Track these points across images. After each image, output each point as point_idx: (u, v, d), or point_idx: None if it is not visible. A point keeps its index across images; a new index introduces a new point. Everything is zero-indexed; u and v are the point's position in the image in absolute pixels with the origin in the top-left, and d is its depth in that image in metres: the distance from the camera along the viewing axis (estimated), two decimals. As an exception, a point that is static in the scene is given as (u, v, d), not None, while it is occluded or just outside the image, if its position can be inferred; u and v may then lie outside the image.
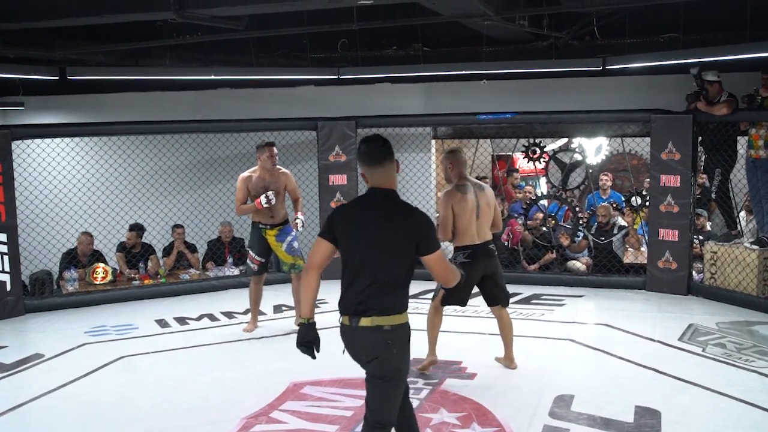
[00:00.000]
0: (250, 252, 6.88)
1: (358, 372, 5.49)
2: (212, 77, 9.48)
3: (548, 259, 8.88)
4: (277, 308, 7.60)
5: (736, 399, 4.98)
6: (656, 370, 5.54)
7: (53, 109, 10.21)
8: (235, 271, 8.74)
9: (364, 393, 4.99)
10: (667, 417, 4.66)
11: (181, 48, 9.73)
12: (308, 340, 3.60)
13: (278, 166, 6.77)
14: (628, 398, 4.95)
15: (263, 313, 7.35)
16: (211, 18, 7.40)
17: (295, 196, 6.87)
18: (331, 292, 8.34)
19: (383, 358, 3.40)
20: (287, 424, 4.63)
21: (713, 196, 8.05)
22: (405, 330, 3.46)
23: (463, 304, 5.67)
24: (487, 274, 5.56)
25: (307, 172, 9.24)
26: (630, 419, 4.65)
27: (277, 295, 8.10)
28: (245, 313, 7.36)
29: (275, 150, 6.68)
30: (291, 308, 7.52)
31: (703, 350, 6.04)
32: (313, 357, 3.60)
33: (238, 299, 7.85)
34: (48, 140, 8.47)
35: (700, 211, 8.94)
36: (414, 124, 9.28)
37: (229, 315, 7.32)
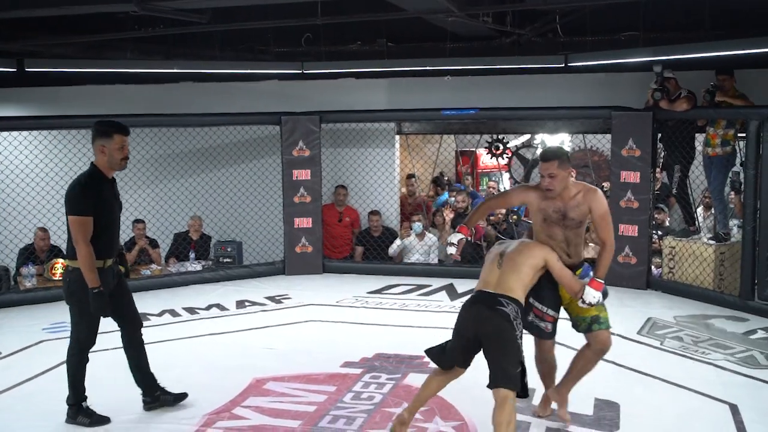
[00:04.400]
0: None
1: (321, 367, 5.53)
2: (174, 70, 9.38)
3: (511, 254, 8.93)
4: (240, 304, 7.54)
5: (693, 391, 5.08)
6: (616, 363, 5.62)
7: (10, 101, 10.00)
8: (198, 267, 8.67)
9: (327, 388, 5.05)
10: (626, 409, 4.73)
11: (143, 41, 9.61)
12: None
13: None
14: (588, 391, 5.01)
15: (225, 309, 7.31)
16: (174, 11, 7.32)
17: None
18: (293, 288, 8.38)
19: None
20: (250, 420, 4.61)
21: (674, 191, 8.18)
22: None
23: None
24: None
25: (270, 167, 9.20)
26: (590, 412, 4.73)
27: (239, 290, 8.06)
28: (207, 308, 7.31)
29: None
30: (254, 303, 7.49)
31: (661, 343, 6.14)
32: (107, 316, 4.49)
33: (200, 295, 7.79)
34: (5, 133, 8.31)
35: (662, 207, 9.10)
36: (378, 119, 9.28)
37: (191, 311, 7.26)
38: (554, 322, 4.42)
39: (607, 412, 4.72)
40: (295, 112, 8.89)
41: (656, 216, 8.58)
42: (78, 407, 4.57)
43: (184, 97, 9.76)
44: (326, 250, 9.17)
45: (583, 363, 4.50)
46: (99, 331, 4.55)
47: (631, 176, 7.99)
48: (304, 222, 8.81)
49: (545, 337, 4.47)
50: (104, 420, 4.57)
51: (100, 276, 4.38)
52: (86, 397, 4.59)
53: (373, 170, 9.44)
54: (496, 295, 4.05)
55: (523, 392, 4.04)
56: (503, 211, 9.00)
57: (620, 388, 5.12)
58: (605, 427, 4.53)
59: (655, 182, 8.33)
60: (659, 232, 8.45)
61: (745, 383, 5.26)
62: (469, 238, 9.05)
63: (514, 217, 8.94)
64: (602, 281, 4.27)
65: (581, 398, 4.89)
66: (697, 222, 8.36)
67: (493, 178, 12.14)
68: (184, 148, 9.39)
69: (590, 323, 4.32)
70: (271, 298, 7.69)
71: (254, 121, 9.06)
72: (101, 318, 4.50)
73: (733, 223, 7.89)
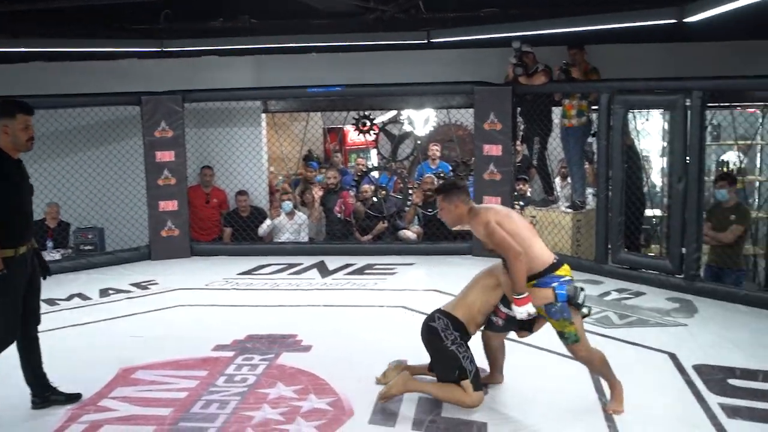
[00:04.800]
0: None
1: (192, 352, 5.42)
2: (22, 49, 8.85)
3: (380, 229, 9.07)
4: (103, 292, 7.27)
5: (552, 352, 5.29)
6: (482, 330, 5.81)
7: None
8: (57, 256, 8.27)
9: (198, 373, 4.96)
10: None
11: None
12: None
13: None
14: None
15: (88, 298, 7.03)
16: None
17: None
18: (160, 273, 8.14)
19: None
20: (117, 412, 4.46)
21: (534, 163, 8.51)
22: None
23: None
24: None
25: (132, 149, 8.87)
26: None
27: (102, 278, 7.77)
28: (69, 299, 7.01)
29: None
30: (119, 291, 7.24)
31: (525, 309, 6.40)
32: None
33: (60, 285, 7.43)
34: None
35: (524, 177, 9.45)
36: (243, 97, 9.12)
37: (50, 302, 6.91)
38: (506, 318, 4.47)
39: (475, 379, 4.87)
40: (155, 91, 8.60)
41: (518, 187, 8.92)
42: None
43: (35, 77, 9.22)
44: (194, 232, 8.97)
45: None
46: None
47: (494, 149, 8.26)
48: (169, 205, 8.57)
49: (491, 329, 4.60)
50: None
51: (12, 264, 4.14)
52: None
53: (239, 150, 9.28)
54: (435, 312, 4.54)
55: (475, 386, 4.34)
56: (372, 186, 9.08)
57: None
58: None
59: (516, 155, 8.64)
60: (521, 203, 8.78)
61: (600, 342, 5.56)
62: (339, 215, 9.13)
63: (383, 192, 9.04)
64: (522, 295, 4.15)
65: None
66: (555, 192, 8.74)
67: (362, 155, 12.23)
68: (38, 131, 8.85)
69: (560, 338, 4.32)
70: (137, 285, 7.45)
71: (112, 101, 8.70)
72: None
73: (588, 191, 8.31)
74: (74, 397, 4.57)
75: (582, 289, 4.24)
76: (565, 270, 4.25)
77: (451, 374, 4.32)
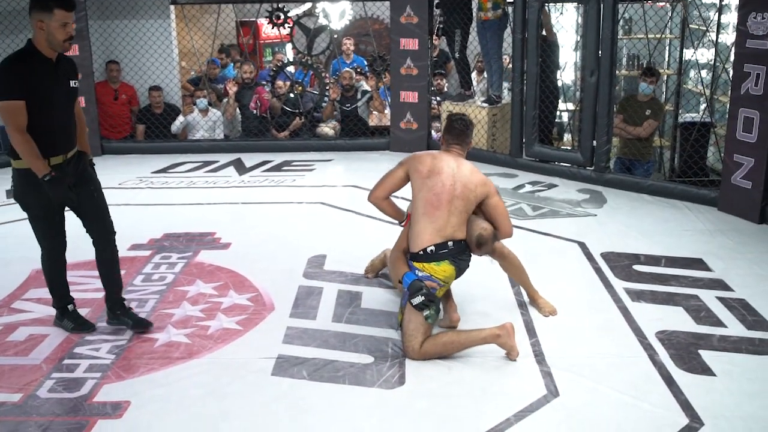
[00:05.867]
0: None
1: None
2: None
3: (297, 125, 8.96)
4: (10, 193, 6.98)
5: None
6: (400, 224, 5.91)
7: None
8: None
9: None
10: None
11: None
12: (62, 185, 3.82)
13: None
14: (376, 253, 5.24)
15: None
16: None
17: None
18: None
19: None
20: (32, 313, 4.40)
21: (457, 56, 8.44)
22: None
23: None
24: None
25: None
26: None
27: (5, 179, 7.45)
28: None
29: None
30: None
31: (442, 203, 6.51)
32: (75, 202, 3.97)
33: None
34: None
35: (441, 72, 9.42)
36: (149, -12, 8.69)
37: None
38: None
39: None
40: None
41: (436, 82, 8.90)
42: (63, 310, 4.18)
43: None
44: (104, 130, 8.66)
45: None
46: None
47: (410, 43, 8.17)
48: (75, 102, 8.21)
49: None
50: (88, 326, 4.18)
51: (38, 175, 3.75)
52: (71, 300, 4.22)
53: (148, 43, 8.90)
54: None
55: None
56: (288, 82, 8.91)
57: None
58: (392, 284, 4.79)
59: (433, 49, 8.58)
60: (438, 98, 8.79)
61: (514, 233, 5.74)
62: (255, 111, 8.96)
63: (299, 88, 8.88)
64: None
65: (369, 260, 5.11)
66: (472, 86, 8.76)
67: (277, 49, 11.91)
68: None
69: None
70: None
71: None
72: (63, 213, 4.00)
73: (504, 86, 8.37)
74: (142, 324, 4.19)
75: (426, 297, 3.73)
76: (431, 268, 3.83)
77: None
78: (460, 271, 3.98)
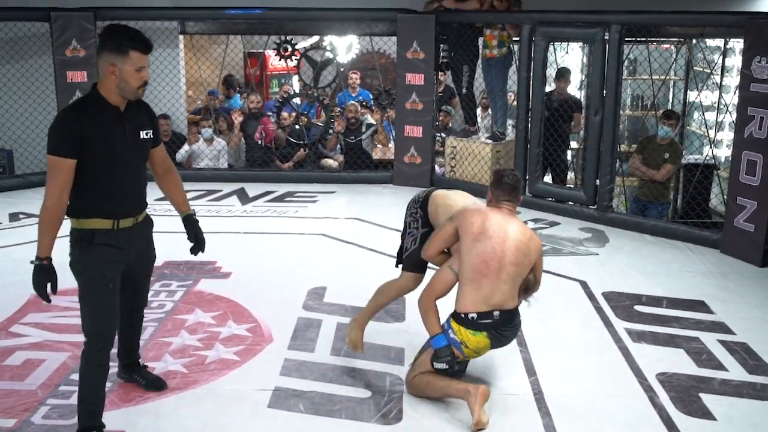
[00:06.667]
0: None
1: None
2: None
3: (301, 156, 8.99)
4: (13, 216, 7.02)
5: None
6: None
7: None
8: (-38, 179, 7.92)
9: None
10: (411, 301, 4.98)
11: None
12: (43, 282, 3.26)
13: None
14: (377, 285, 5.22)
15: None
16: None
17: None
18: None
19: None
20: (29, 337, 4.38)
21: (464, 91, 8.50)
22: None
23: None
24: None
25: (41, 68, 8.45)
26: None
27: (11, 202, 7.49)
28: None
29: None
30: (30, 215, 7.01)
31: (444, 238, 6.51)
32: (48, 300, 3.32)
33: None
34: None
35: (448, 109, 9.47)
36: (159, 17, 8.75)
37: (-44, 226, 6.67)
38: None
39: (393, 305, 4.93)
40: (66, 8, 8.17)
41: (441, 118, 8.95)
42: None
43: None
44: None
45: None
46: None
47: (416, 78, 8.22)
48: (82, 128, 8.25)
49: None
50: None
51: (114, 239, 3.27)
52: (104, 426, 3.32)
53: (156, 72, 8.96)
54: (420, 197, 4.10)
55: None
56: (294, 113, 8.96)
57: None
58: (392, 318, 4.77)
59: (438, 84, 8.64)
60: (443, 134, 8.82)
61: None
62: (259, 142, 9.00)
63: (304, 119, 8.93)
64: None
65: (369, 293, 5.10)
66: (476, 123, 8.80)
67: (284, 81, 12.00)
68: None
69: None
70: (49, 210, 7.22)
71: (19, 17, 8.23)
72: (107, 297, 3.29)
73: (509, 122, 8.41)
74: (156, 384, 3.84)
75: (449, 365, 3.61)
76: (465, 335, 3.61)
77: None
78: (498, 344, 3.71)
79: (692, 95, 8.36)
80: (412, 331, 4.52)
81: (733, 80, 8.03)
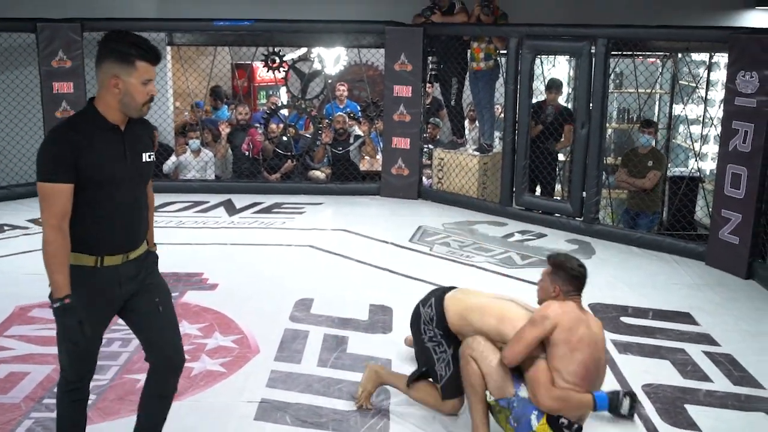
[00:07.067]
0: None
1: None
2: None
3: (288, 167, 8.99)
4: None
5: (458, 292, 5.47)
6: (389, 270, 5.91)
7: None
8: (-54, 189, 7.86)
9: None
10: (398, 312, 5.01)
11: None
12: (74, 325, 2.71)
13: None
14: (364, 298, 5.25)
15: (-18, 234, 6.74)
16: None
17: None
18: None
19: None
20: (14, 350, 4.34)
21: (452, 103, 8.53)
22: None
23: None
24: None
25: (27, 79, 8.42)
26: (365, 317, 4.95)
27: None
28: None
29: None
30: (15, 227, 6.96)
31: (431, 249, 6.53)
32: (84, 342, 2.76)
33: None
34: None
35: (436, 121, 9.50)
36: (146, 29, 8.66)
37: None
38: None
39: (381, 316, 4.97)
40: (53, 18, 8.15)
41: (429, 131, 8.97)
42: None
43: None
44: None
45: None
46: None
47: (404, 90, 8.25)
48: (68, 138, 8.21)
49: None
50: None
51: (88, 278, 2.79)
52: None
53: (143, 83, 8.94)
54: (433, 294, 3.75)
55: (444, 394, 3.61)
56: (281, 125, 8.97)
57: (393, 292, 5.40)
58: (379, 330, 4.77)
59: (426, 96, 8.67)
60: (430, 146, 8.85)
61: (503, 282, 5.75)
62: (247, 153, 8.99)
63: (292, 131, 8.93)
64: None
65: (356, 304, 5.11)
66: (464, 135, 8.84)
67: (271, 92, 12.00)
68: None
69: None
70: (35, 221, 7.16)
71: (5, 27, 8.19)
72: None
73: (496, 134, 8.45)
74: None
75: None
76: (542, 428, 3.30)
77: (419, 369, 3.71)
78: None
79: (677, 108, 8.43)
80: (399, 342, 4.52)
81: (718, 94, 8.11)
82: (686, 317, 5.11)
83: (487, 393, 3.39)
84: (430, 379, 3.65)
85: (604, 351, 3.43)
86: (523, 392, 3.32)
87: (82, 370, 2.92)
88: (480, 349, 3.40)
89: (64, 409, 2.97)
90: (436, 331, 3.59)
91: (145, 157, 2.90)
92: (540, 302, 3.51)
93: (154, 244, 3.17)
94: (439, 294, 3.69)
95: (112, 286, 2.84)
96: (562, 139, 7.77)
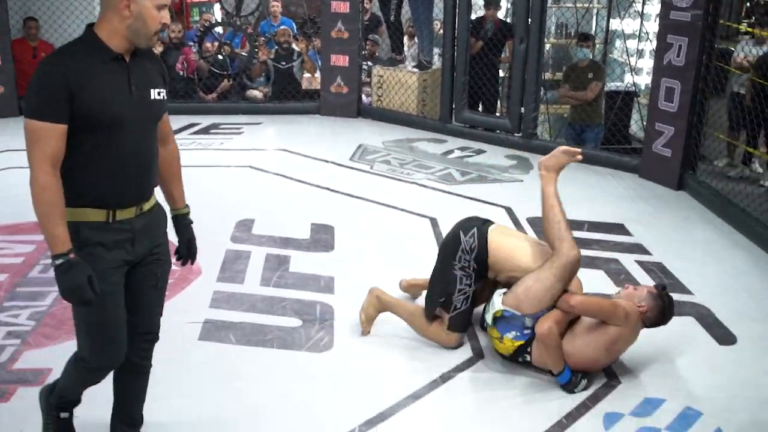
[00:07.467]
0: None
1: (26, 216, 5.14)
2: None
3: (225, 86, 8.79)
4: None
5: (399, 209, 5.52)
6: (330, 189, 5.91)
7: None
8: None
9: (34, 237, 4.74)
10: (340, 230, 5.04)
11: None
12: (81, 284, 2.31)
13: None
14: (305, 216, 5.25)
15: None
16: None
17: None
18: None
19: None
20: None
21: (392, 19, 8.39)
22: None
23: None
24: None
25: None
26: (307, 235, 4.96)
27: None
28: None
29: None
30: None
31: (371, 168, 6.53)
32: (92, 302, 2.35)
33: None
34: None
35: (375, 38, 9.35)
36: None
37: None
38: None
39: (322, 234, 4.99)
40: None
41: (368, 47, 8.84)
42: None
43: None
44: (21, 90, 8.32)
45: None
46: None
47: (341, 6, 8.07)
48: (-9, 59, 7.87)
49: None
50: None
51: (98, 235, 2.40)
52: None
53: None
54: (476, 222, 3.68)
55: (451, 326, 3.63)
56: (216, 43, 8.72)
57: (334, 211, 5.41)
58: (321, 248, 4.79)
59: (364, 12, 8.51)
60: (369, 63, 8.74)
61: (443, 198, 5.82)
62: (181, 73, 8.73)
63: (228, 49, 8.70)
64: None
65: (297, 224, 5.11)
66: (403, 51, 8.74)
67: (204, 9, 11.63)
68: None
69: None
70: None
71: None
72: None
73: (435, 51, 8.38)
74: None
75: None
76: None
77: (438, 297, 3.60)
78: None
79: (615, 23, 8.46)
80: (341, 260, 4.56)
81: (654, 8, 8.16)
82: (620, 228, 5.26)
83: (501, 296, 3.43)
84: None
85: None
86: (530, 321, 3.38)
87: (109, 351, 2.52)
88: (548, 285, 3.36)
89: (77, 380, 2.67)
90: (472, 263, 3.53)
91: (154, 93, 2.48)
92: (617, 295, 3.52)
93: (186, 205, 2.92)
94: (480, 226, 3.61)
95: (125, 245, 2.46)
96: (506, 54, 7.75)
